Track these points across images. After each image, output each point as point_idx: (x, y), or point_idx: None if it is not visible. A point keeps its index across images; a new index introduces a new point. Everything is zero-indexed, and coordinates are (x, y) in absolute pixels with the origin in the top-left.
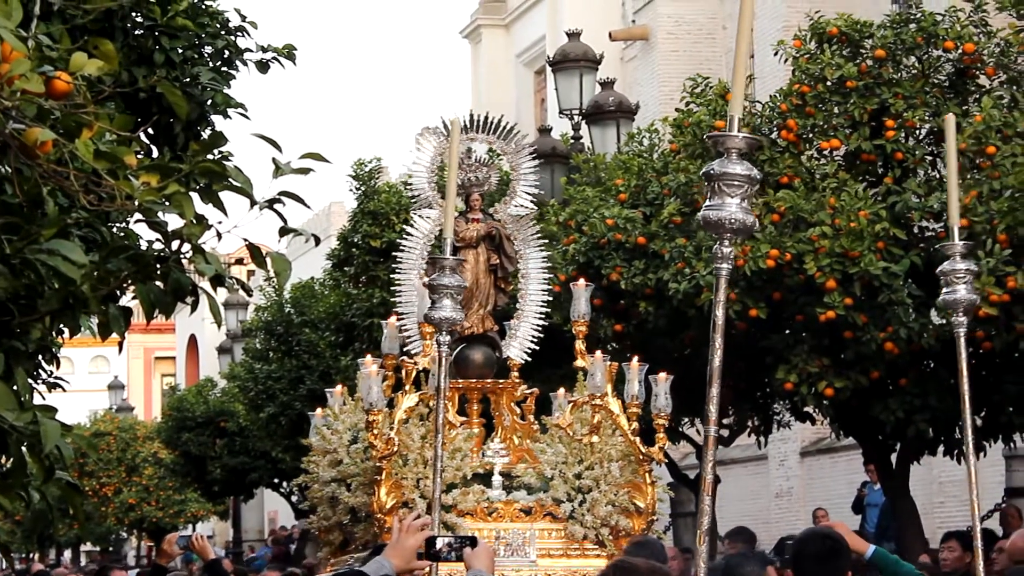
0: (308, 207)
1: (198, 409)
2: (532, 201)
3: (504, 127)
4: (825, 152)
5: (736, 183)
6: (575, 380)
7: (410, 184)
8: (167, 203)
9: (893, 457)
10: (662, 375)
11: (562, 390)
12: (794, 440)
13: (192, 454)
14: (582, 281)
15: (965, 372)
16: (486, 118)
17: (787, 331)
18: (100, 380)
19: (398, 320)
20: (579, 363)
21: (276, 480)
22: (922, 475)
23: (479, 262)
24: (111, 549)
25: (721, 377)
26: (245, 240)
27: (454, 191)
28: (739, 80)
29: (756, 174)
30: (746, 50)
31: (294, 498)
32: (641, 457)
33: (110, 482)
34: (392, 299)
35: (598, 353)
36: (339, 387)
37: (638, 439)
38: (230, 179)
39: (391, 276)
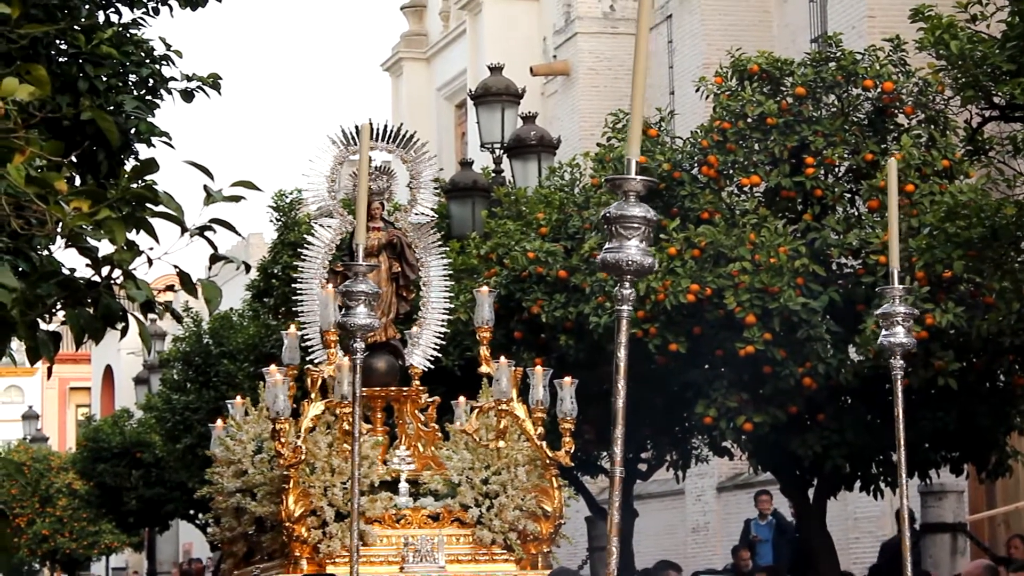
0: (240, 235)
1: (114, 440)
2: (432, 209)
3: (403, 135)
4: (745, 188)
5: (634, 225)
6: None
7: (306, 192)
8: (98, 229)
9: (810, 492)
10: (567, 379)
11: (463, 398)
12: (711, 475)
13: (107, 485)
14: (485, 288)
15: (901, 414)
16: (385, 127)
17: (707, 365)
18: (14, 410)
19: (300, 329)
20: (484, 369)
21: (192, 511)
22: (838, 511)
23: (381, 271)
24: None
25: (626, 417)
26: (176, 267)
27: (365, 194)
28: (635, 124)
29: (653, 216)
30: (641, 96)
31: (209, 530)
32: (547, 461)
33: (23, 513)
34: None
35: (503, 359)
36: (239, 398)
37: (544, 443)
38: (162, 204)
39: None
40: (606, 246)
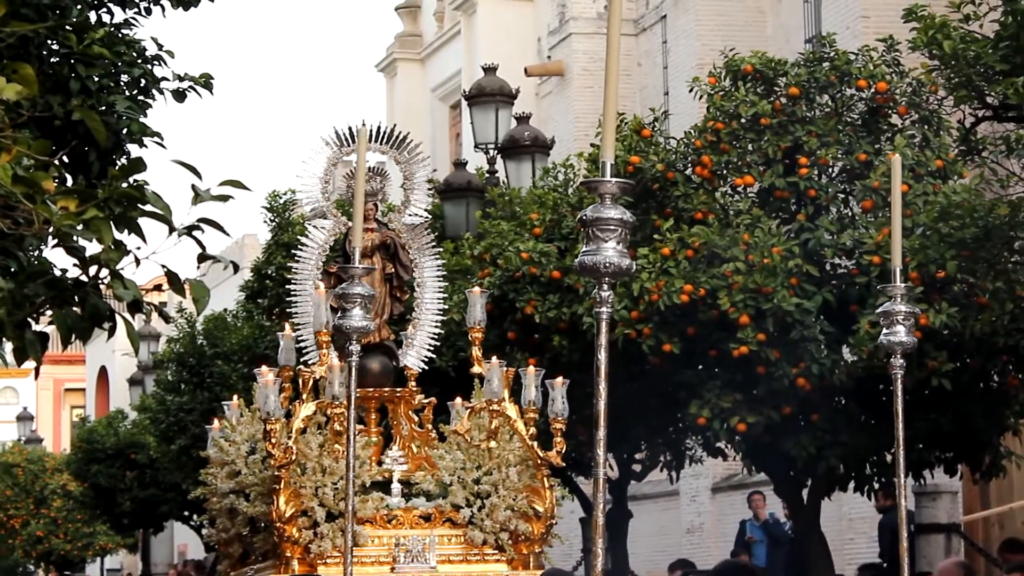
0: (227, 234)
1: (108, 441)
2: (426, 210)
3: (397, 136)
4: (739, 188)
5: (611, 227)
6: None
7: (300, 193)
8: (86, 228)
9: (804, 493)
10: (558, 380)
11: (459, 399)
12: (705, 476)
13: (101, 486)
14: (477, 288)
15: (900, 413)
16: (379, 128)
17: (700, 366)
18: (8, 411)
19: (294, 330)
20: (476, 369)
21: (186, 513)
22: (832, 512)
23: (375, 272)
24: None
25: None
26: (164, 267)
27: (362, 198)
28: (608, 128)
29: (630, 217)
30: (614, 100)
31: (205, 531)
32: (539, 461)
33: (17, 514)
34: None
35: (494, 359)
36: (235, 399)
37: (535, 444)
38: (149, 204)
39: None
40: (583, 249)
